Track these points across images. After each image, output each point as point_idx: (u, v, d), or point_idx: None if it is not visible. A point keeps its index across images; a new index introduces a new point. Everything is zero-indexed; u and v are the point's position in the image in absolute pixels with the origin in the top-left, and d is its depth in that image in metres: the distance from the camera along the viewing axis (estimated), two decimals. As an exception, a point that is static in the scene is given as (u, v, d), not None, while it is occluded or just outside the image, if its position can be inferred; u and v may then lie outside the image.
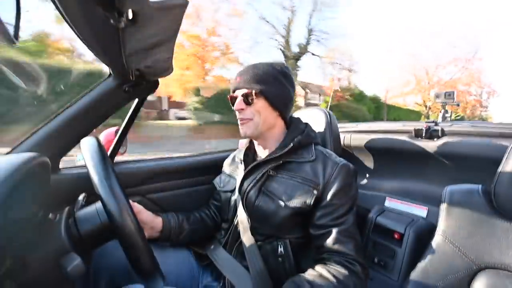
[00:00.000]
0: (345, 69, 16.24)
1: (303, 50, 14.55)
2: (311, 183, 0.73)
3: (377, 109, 17.58)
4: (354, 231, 0.72)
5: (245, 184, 0.79)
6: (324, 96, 17.05)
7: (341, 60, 15.90)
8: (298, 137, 0.78)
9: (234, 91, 0.81)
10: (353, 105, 15.14)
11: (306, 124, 0.86)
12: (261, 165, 0.79)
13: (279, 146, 0.79)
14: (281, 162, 0.77)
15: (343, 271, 0.65)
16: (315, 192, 0.72)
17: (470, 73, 17.47)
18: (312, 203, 0.71)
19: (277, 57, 14.49)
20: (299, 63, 14.54)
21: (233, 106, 0.80)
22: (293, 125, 0.83)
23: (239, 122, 0.80)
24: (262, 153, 0.85)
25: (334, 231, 0.70)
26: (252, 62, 0.84)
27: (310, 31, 14.60)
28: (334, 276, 0.64)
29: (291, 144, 0.76)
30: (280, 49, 14.34)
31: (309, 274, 0.66)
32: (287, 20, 14.11)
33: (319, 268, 0.67)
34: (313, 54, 15.05)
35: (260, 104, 0.77)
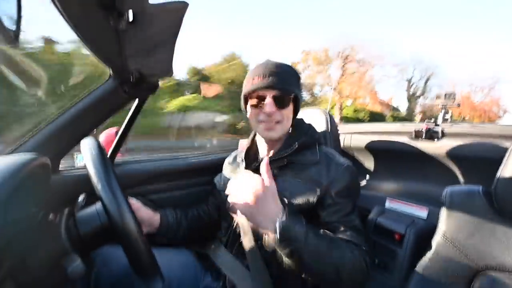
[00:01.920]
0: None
1: (416, 97, 24.85)
2: (315, 182, 0.73)
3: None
4: (361, 227, 0.73)
5: None
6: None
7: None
8: (303, 138, 0.78)
9: (257, 90, 0.72)
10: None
11: (310, 125, 0.86)
12: None
13: (283, 146, 0.79)
14: (285, 162, 0.76)
15: (354, 249, 0.66)
16: (318, 191, 0.72)
17: (491, 99, 25.70)
18: (315, 201, 0.71)
19: (402, 93, 24.85)
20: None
21: (253, 105, 0.74)
22: (297, 126, 0.83)
23: (263, 125, 0.74)
24: (265, 153, 0.84)
25: (343, 227, 0.70)
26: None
27: (425, 86, 24.39)
28: (347, 246, 0.65)
29: (296, 145, 0.75)
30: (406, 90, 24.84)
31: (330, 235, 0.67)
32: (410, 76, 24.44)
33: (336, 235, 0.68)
34: (423, 97, 24.82)
35: (290, 107, 0.76)
